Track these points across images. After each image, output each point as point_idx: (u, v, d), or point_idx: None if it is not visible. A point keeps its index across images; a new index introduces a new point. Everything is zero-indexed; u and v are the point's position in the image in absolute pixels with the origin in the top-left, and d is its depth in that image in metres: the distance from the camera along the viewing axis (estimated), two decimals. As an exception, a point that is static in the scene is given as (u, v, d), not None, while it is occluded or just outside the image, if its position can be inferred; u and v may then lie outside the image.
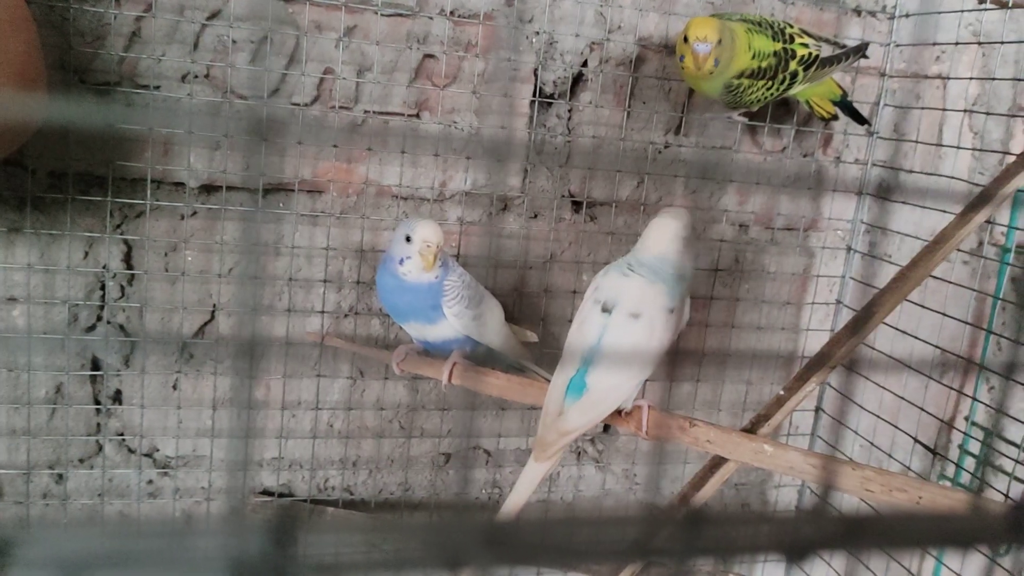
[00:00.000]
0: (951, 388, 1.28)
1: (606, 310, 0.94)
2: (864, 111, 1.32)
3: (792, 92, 1.18)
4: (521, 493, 0.98)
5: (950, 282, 1.25)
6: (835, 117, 1.25)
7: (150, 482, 1.21)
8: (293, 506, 1.23)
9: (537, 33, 1.20)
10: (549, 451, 0.95)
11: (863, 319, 1.10)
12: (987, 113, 1.32)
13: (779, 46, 1.13)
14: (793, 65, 1.14)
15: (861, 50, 1.19)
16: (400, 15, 1.15)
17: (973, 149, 1.34)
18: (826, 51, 1.18)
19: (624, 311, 0.94)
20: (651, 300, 0.94)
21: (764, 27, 1.13)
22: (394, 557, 0.29)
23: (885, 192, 1.36)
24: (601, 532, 0.37)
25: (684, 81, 1.22)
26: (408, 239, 1.00)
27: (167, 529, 0.27)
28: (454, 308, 1.05)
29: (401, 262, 1.01)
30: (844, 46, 1.23)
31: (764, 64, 1.12)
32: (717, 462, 1.10)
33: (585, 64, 1.23)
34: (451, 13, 1.17)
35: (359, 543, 0.29)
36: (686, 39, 1.08)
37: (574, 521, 0.35)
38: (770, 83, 1.14)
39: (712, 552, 0.39)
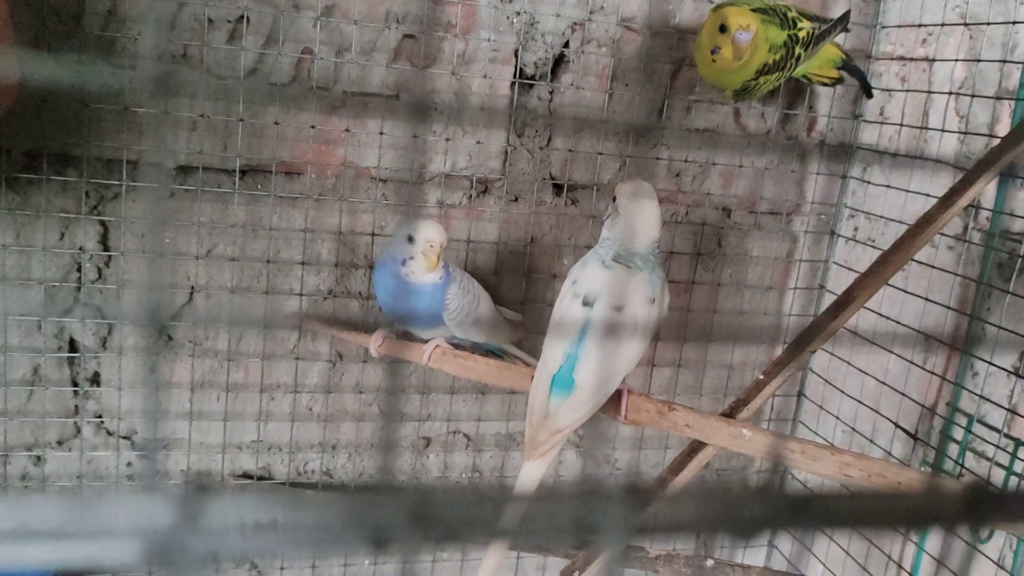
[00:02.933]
0: (933, 373, 1.28)
1: (587, 304, 0.92)
2: (850, 94, 1.31)
3: (793, 74, 1.16)
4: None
5: (933, 267, 1.24)
6: (840, 80, 1.22)
7: (129, 464, 1.20)
8: (204, 476, 1.22)
9: (518, 14, 1.19)
10: (541, 450, 0.92)
11: (844, 303, 1.09)
12: (972, 95, 1.31)
13: (786, 34, 1.10)
14: (798, 49, 1.11)
15: (845, 19, 1.17)
16: (379, -6, 1.14)
17: (959, 132, 1.33)
18: (818, 21, 1.16)
19: (606, 304, 0.92)
20: (633, 291, 0.92)
21: (772, 15, 1.10)
22: (313, 532, 0.28)
23: (869, 175, 1.35)
24: (537, 509, 0.36)
25: (702, 76, 1.17)
26: (410, 239, 1.00)
27: (72, 501, 0.26)
28: (455, 319, 1.06)
29: (404, 263, 1.01)
30: (829, 19, 1.21)
31: (777, 57, 1.09)
32: (696, 446, 1.09)
33: (567, 45, 1.22)
34: (431, -7, 1.15)
35: (273, 515, 0.28)
36: (722, 28, 1.04)
37: (507, 498, 0.34)
38: (780, 73, 1.11)
39: (654, 530, 0.39)
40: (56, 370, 1.15)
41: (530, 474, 0.94)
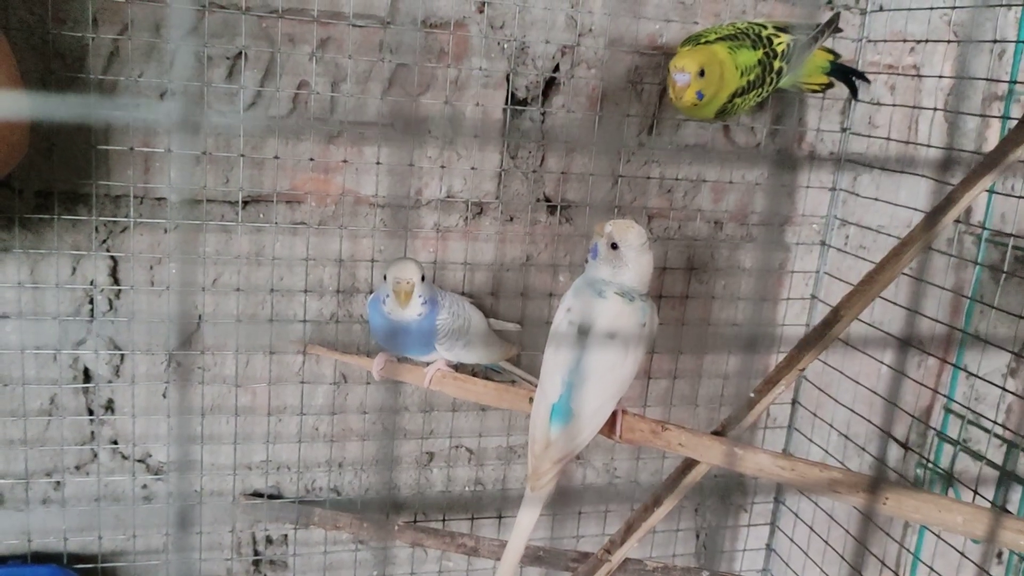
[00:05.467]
0: (923, 385, 1.30)
1: (583, 332, 0.95)
2: (838, 106, 1.32)
3: (781, 85, 1.18)
4: (525, 527, 0.98)
5: (921, 279, 1.26)
6: (830, 85, 1.23)
7: (144, 487, 1.25)
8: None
9: (509, 40, 1.21)
10: (544, 480, 0.95)
11: (831, 322, 1.12)
12: (958, 112, 1.32)
13: (760, 53, 1.12)
14: (777, 64, 1.13)
15: (834, 22, 1.17)
16: (372, 26, 1.17)
17: (947, 148, 1.34)
18: (802, 31, 1.17)
19: (600, 332, 0.95)
20: (626, 318, 0.95)
21: (742, 38, 1.12)
22: None
23: (858, 186, 1.37)
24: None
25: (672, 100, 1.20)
26: (385, 278, 1.03)
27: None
28: (445, 344, 1.09)
29: (383, 301, 1.05)
30: (817, 24, 1.21)
31: (752, 77, 1.11)
32: (692, 460, 1.13)
33: (557, 68, 1.25)
34: (423, 22, 1.18)
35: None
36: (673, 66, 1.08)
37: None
38: (760, 90, 1.13)
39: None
40: (72, 399, 1.20)
41: (533, 506, 0.97)
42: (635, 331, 0.95)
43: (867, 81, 1.27)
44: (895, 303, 1.26)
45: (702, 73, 1.06)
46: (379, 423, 1.31)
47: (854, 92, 1.26)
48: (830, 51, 1.22)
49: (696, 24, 1.25)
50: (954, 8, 1.26)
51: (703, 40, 1.13)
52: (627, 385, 0.98)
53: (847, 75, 1.23)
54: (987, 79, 1.23)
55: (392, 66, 1.19)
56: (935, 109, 1.27)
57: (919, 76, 1.33)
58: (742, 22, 1.16)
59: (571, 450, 0.95)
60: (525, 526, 0.98)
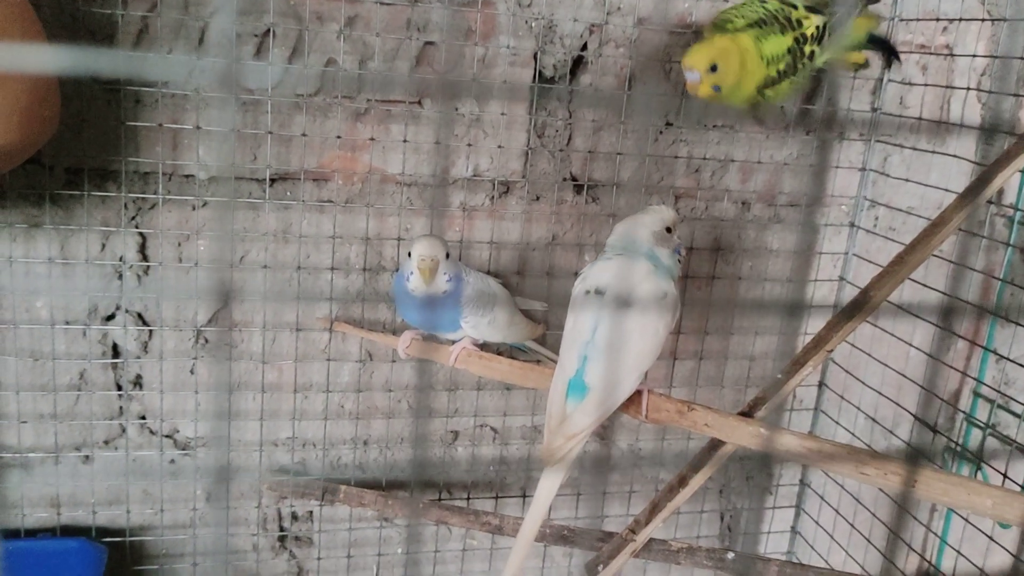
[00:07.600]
0: (952, 368, 1.29)
1: (599, 292, 0.94)
2: (868, 86, 1.31)
3: (817, 65, 1.15)
4: (542, 503, 0.97)
5: (951, 262, 1.25)
6: (865, 65, 1.20)
7: (172, 462, 1.26)
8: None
9: (537, 18, 1.21)
10: (558, 455, 0.92)
11: (860, 303, 1.11)
12: (990, 91, 1.31)
13: (790, 39, 1.07)
14: (808, 48, 1.10)
15: None
16: (400, 3, 1.16)
17: (980, 128, 1.33)
18: (837, 7, 1.14)
19: (614, 295, 0.93)
20: (640, 280, 0.94)
21: (771, 23, 1.08)
22: None
23: (888, 167, 1.35)
24: None
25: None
26: (409, 255, 1.03)
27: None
28: (470, 320, 1.09)
29: (408, 278, 1.04)
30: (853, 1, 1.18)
31: (782, 67, 1.07)
32: (717, 442, 1.12)
33: (585, 47, 1.24)
34: (450, 0, 1.18)
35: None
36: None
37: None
38: (793, 78, 1.10)
39: None
40: (101, 374, 1.21)
41: (550, 483, 0.96)
42: (653, 299, 0.93)
43: (899, 60, 1.26)
44: (925, 284, 1.24)
45: (714, 68, 1.04)
46: (404, 401, 1.31)
47: (891, 59, 1.22)
48: (872, 16, 1.18)
49: (727, 1, 1.24)
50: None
51: (729, 26, 1.09)
52: (649, 359, 0.95)
53: (885, 45, 1.20)
54: (1022, 58, 1.21)
55: (420, 44, 1.18)
56: (968, 88, 1.25)
57: (952, 55, 1.31)
58: (772, 2, 1.14)
59: (586, 426, 0.92)
60: (543, 501, 0.97)
